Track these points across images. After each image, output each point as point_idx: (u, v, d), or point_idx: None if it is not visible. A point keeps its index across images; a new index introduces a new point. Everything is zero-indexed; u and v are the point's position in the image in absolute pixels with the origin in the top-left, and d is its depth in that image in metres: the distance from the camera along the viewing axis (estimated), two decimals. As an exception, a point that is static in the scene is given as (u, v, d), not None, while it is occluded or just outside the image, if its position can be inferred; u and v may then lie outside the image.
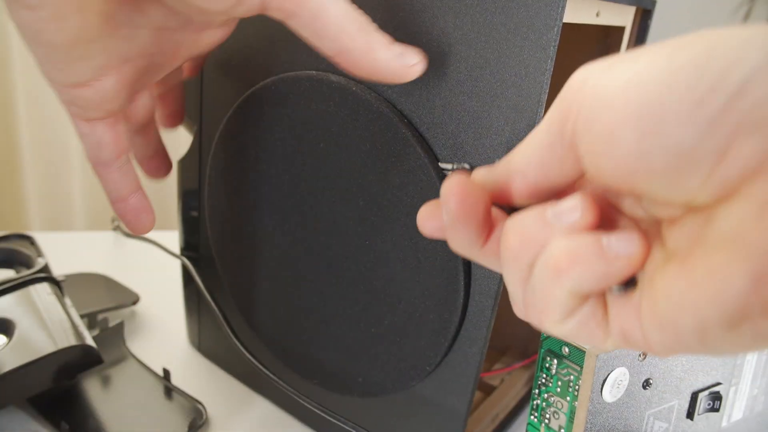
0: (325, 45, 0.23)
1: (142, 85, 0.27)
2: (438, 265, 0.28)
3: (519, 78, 0.23)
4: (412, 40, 0.26)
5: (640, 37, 0.33)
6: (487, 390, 0.41)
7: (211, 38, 0.28)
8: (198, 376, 0.44)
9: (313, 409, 0.35)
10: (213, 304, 0.40)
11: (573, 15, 0.26)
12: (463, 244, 0.19)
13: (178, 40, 0.26)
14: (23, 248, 0.47)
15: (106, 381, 0.41)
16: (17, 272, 0.46)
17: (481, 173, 0.20)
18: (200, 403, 0.39)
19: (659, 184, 0.14)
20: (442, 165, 0.26)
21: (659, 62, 0.14)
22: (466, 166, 0.26)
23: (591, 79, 0.16)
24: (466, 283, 0.27)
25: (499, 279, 0.26)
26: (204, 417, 0.38)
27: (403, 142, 0.27)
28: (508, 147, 0.24)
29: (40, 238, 0.51)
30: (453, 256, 0.27)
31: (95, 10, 0.22)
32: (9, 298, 0.39)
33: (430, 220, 0.21)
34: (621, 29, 0.32)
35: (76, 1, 0.22)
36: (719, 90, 0.13)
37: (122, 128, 0.28)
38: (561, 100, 0.17)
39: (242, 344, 0.38)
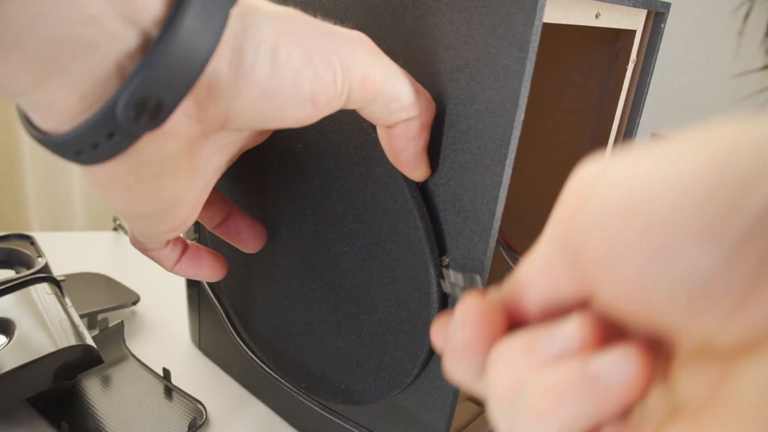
0: (392, 118, 0.23)
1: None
2: (411, 275, 0.27)
3: (496, 80, 0.23)
4: (392, 41, 0.25)
5: (652, 41, 0.31)
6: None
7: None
8: (198, 376, 0.44)
9: (311, 406, 0.35)
10: (216, 303, 0.40)
11: (566, 15, 0.25)
12: (469, 373, 0.16)
13: (243, 147, 0.26)
14: (23, 248, 0.47)
15: (106, 381, 0.41)
16: (17, 272, 0.46)
17: (491, 293, 0.16)
18: (200, 402, 0.39)
19: (667, 318, 0.11)
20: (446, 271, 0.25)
21: (671, 164, 0.11)
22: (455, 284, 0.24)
23: (596, 180, 0.12)
24: (442, 296, 0.26)
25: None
26: (204, 417, 0.38)
27: (374, 146, 0.26)
28: (486, 151, 0.24)
29: (40, 238, 0.51)
30: (426, 267, 0.26)
31: (185, 174, 0.21)
32: (9, 298, 0.39)
33: (444, 334, 0.19)
34: (632, 33, 0.31)
35: (166, 179, 0.20)
36: (743, 208, 0.10)
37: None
38: (564, 203, 0.13)
39: (243, 341, 0.38)
